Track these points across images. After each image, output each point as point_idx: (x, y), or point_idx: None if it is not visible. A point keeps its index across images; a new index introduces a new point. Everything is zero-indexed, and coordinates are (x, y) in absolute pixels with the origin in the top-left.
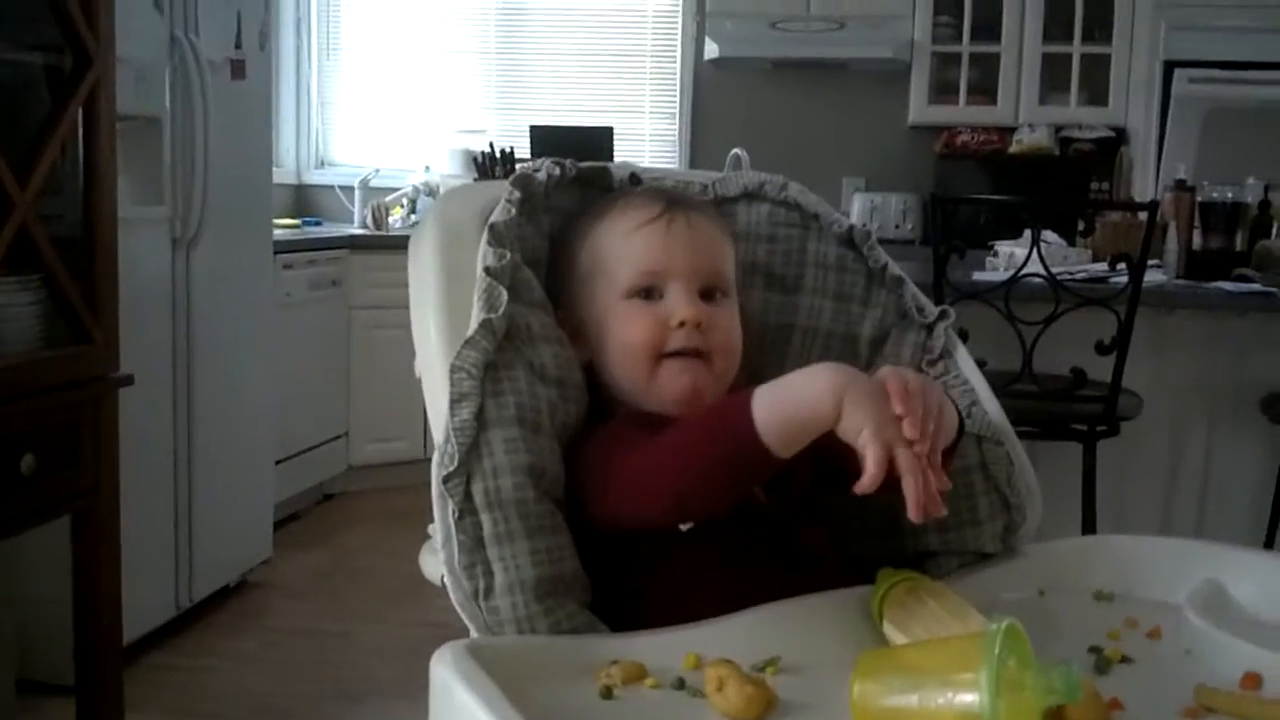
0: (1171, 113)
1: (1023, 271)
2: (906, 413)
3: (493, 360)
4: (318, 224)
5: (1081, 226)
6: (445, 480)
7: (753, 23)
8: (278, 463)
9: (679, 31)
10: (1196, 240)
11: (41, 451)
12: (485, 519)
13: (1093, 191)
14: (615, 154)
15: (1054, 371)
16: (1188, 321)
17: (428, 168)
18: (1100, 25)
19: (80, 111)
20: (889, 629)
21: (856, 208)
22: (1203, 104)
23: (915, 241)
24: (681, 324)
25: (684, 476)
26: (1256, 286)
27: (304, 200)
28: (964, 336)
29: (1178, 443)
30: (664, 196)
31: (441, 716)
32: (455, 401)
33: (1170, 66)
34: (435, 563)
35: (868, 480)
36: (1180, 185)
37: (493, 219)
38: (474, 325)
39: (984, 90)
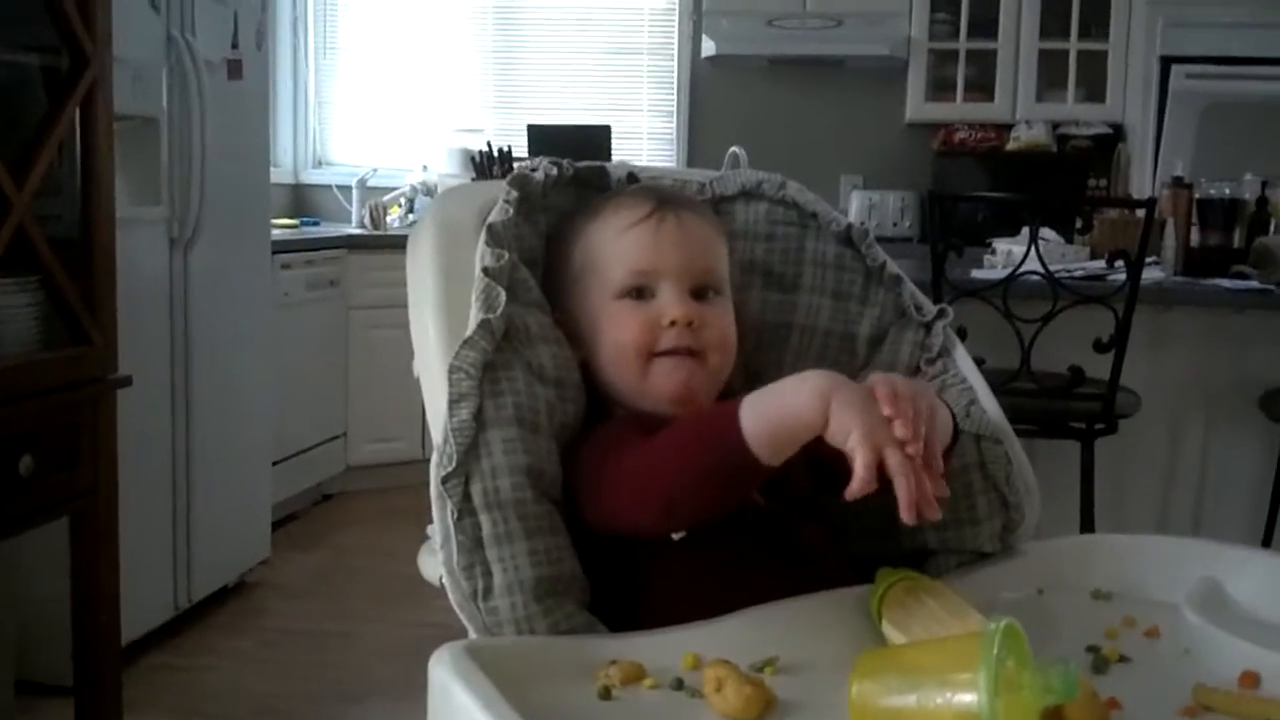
0: (1169, 109)
1: (1021, 269)
2: (896, 414)
3: (491, 360)
4: (315, 224)
5: (1079, 224)
6: (444, 481)
7: (749, 20)
8: (276, 463)
9: (676, 29)
10: (1194, 237)
11: (40, 453)
12: (484, 519)
13: (1090, 188)
14: (613, 152)
15: (1052, 369)
16: (1186, 319)
17: (425, 167)
18: (1097, 21)
19: (77, 112)
20: (888, 628)
21: (854, 205)
22: (1200, 100)
23: (913, 239)
24: (673, 323)
25: (674, 486)
26: (1254, 283)
27: (301, 200)
28: (962, 334)
29: (1176, 440)
30: (654, 195)
31: (440, 717)
32: (454, 402)
33: (1167, 62)
34: (434, 563)
35: (857, 484)
36: (1178, 182)
37: (490, 219)
38: (472, 325)
39: (981, 87)
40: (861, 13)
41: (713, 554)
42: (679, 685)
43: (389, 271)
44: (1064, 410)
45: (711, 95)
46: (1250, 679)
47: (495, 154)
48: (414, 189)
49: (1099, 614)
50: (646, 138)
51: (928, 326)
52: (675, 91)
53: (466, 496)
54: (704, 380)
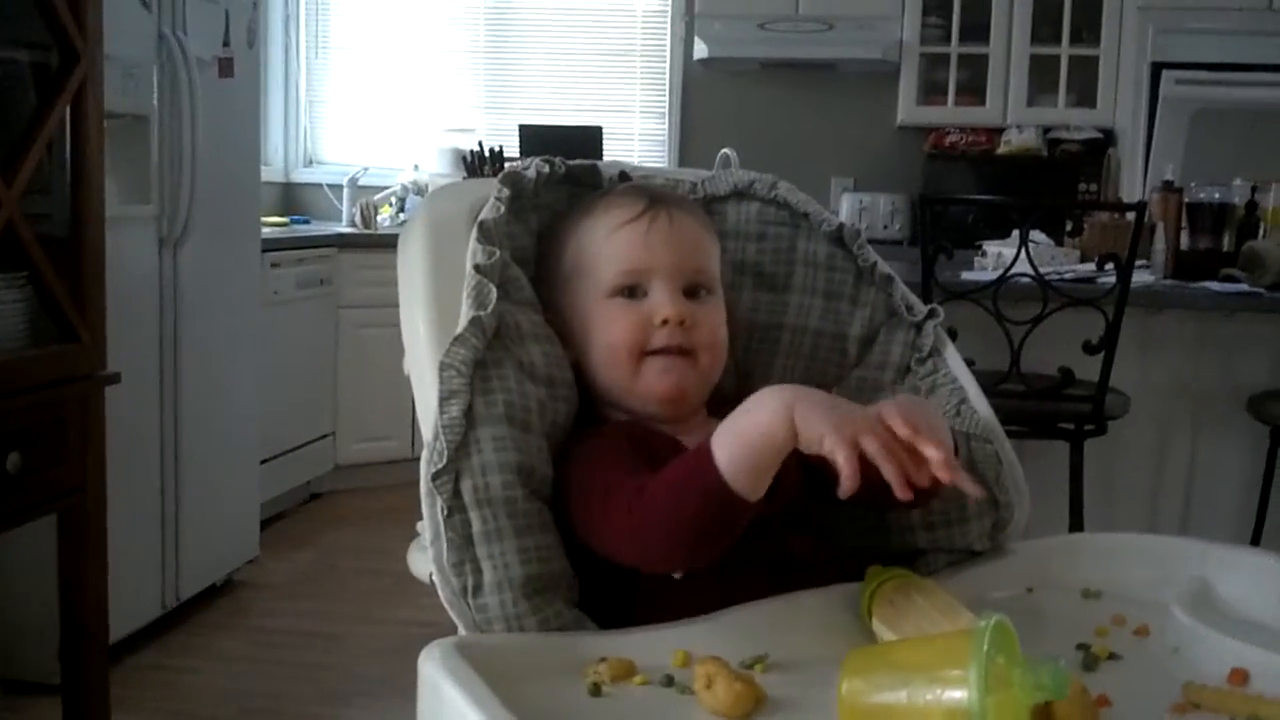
0: (1159, 114)
1: (1011, 271)
2: (916, 432)
3: (482, 358)
4: (306, 222)
5: (1069, 227)
6: (434, 478)
7: (742, 23)
8: (265, 461)
9: (668, 31)
10: (1184, 241)
11: (28, 450)
12: (474, 516)
13: (1081, 192)
14: (604, 153)
15: (1042, 371)
16: (1175, 322)
17: (416, 166)
18: (1088, 26)
19: (68, 109)
20: (878, 626)
21: (845, 208)
22: (1190, 105)
23: (904, 242)
24: (665, 322)
25: (671, 543)
26: (1243, 287)
27: (292, 198)
28: (953, 336)
29: (1165, 442)
30: (646, 194)
31: (430, 714)
32: (444, 399)
33: (1158, 68)
34: (423, 560)
35: (846, 481)
36: (1168, 186)
37: (482, 217)
38: (463, 323)
39: (972, 91)
40: (853, 16)
41: None
42: (669, 682)
43: (379, 270)
44: (1054, 411)
45: (703, 97)
46: (1239, 676)
47: (487, 154)
48: (405, 188)
49: (1089, 612)
50: (638, 139)
51: (918, 326)
52: (667, 93)
53: (456, 493)
54: (695, 380)
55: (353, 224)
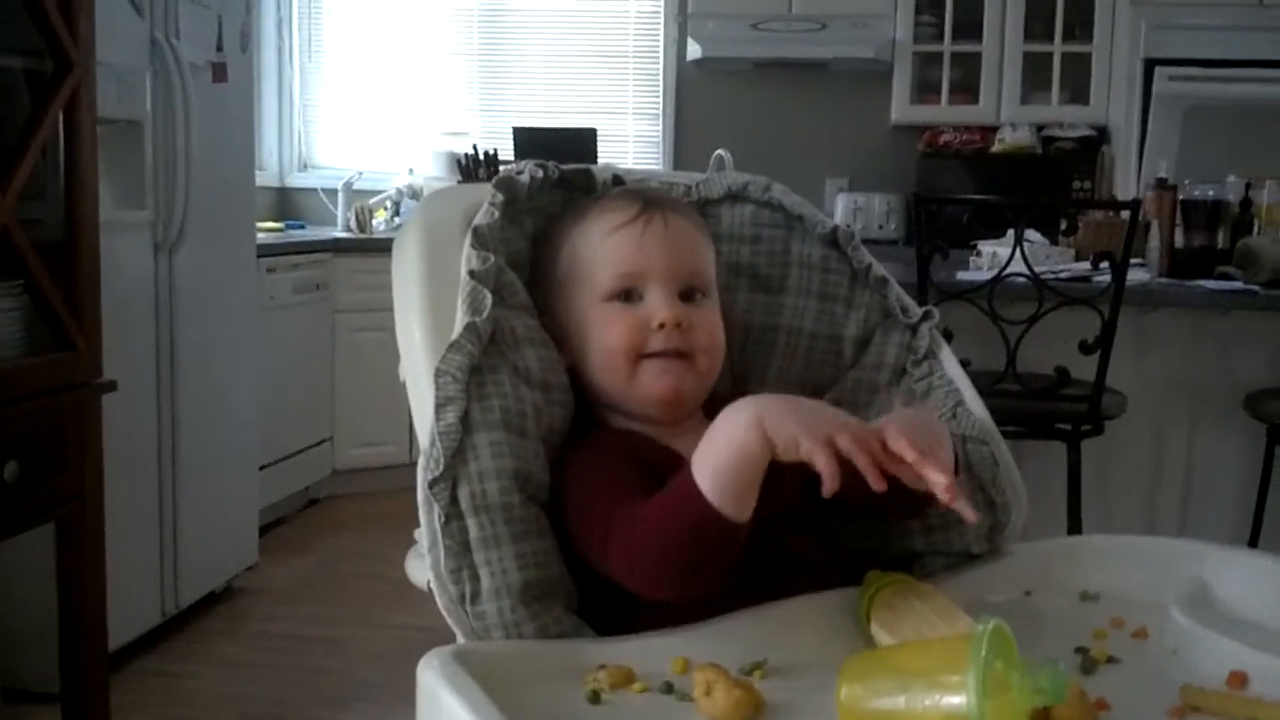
0: (1152, 111)
1: (1006, 271)
2: (918, 452)
3: (478, 364)
4: (301, 227)
5: (1064, 226)
6: (431, 485)
7: (734, 23)
8: (263, 468)
9: (661, 32)
10: (1179, 239)
11: (25, 458)
12: (471, 523)
13: (1075, 190)
14: (599, 155)
15: (1038, 371)
16: (1171, 320)
17: (411, 170)
18: (1081, 24)
19: (61, 115)
20: (876, 630)
21: (840, 208)
22: (1183, 101)
23: (899, 241)
24: (661, 325)
25: (668, 570)
26: (1239, 284)
27: (287, 203)
28: (948, 336)
29: (1162, 441)
30: (641, 197)
31: None
32: (440, 405)
33: (1151, 64)
34: (421, 567)
35: (827, 480)
36: (1162, 184)
37: (476, 222)
38: (458, 329)
39: (966, 89)
40: (846, 15)
41: None
42: (668, 689)
43: (375, 275)
44: (1050, 411)
45: (697, 98)
46: (1238, 679)
47: (481, 157)
48: (400, 192)
49: (1087, 615)
50: (632, 140)
51: (914, 328)
52: (661, 94)
53: (454, 500)
54: (693, 383)
55: (348, 228)
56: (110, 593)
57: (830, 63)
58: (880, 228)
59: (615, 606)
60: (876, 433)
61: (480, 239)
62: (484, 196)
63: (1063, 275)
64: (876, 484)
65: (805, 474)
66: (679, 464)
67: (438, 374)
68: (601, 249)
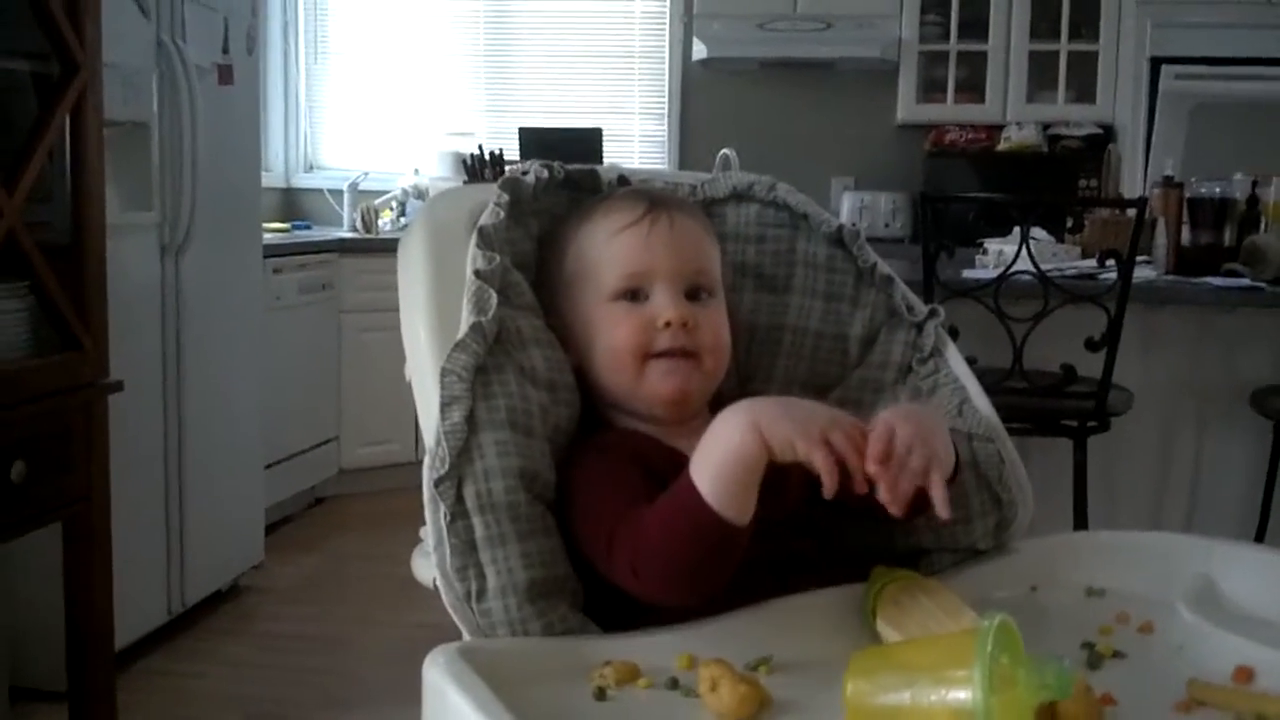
0: (1159, 109)
1: (1012, 269)
2: (877, 461)
3: (483, 363)
4: (307, 227)
5: (1070, 224)
6: (437, 484)
7: (740, 23)
8: (269, 467)
9: (666, 32)
10: (1185, 236)
11: (32, 459)
12: (477, 522)
13: (1081, 188)
14: (604, 155)
15: (1044, 368)
16: (1177, 317)
17: (417, 170)
18: (1087, 22)
19: (68, 118)
20: (882, 626)
21: (846, 207)
22: (1189, 99)
23: (905, 240)
24: (668, 325)
25: (673, 576)
26: (1245, 281)
27: (293, 204)
28: (954, 334)
29: (1168, 438)
30: (646, 197)
31: None
32: (446, 405)
33: (1157, 63)
34: (427, 566)
35: (826, 479)
36: (1168, 181)
37: (481, 222)
38: (464, 328)
39: (972, 88)
40: (852, 15)
41: None
42: (674, 685)
43: (381, 275)
44: (1056, 409)
45: (703, 98)
46: (1244, 674)
47: (486, 157)
48: (405, 192)
49: (1093, 610)
50: (638, 140)
51: (919, 326)
52: (666, 94)
53: (459, 499)
54: (699, 382)
55: (354, 229)
56: (117, 592)
57: (836, 62)
58: (886, 226)
59: (620, 604)
60: (865, 431)
61: (486, 239)
62: (489, 197)
63: (1069, 273)
64: (859, 485)
65: (807, 478)
66: (684, 464)
67: (443, 374)
68: (608, 249)
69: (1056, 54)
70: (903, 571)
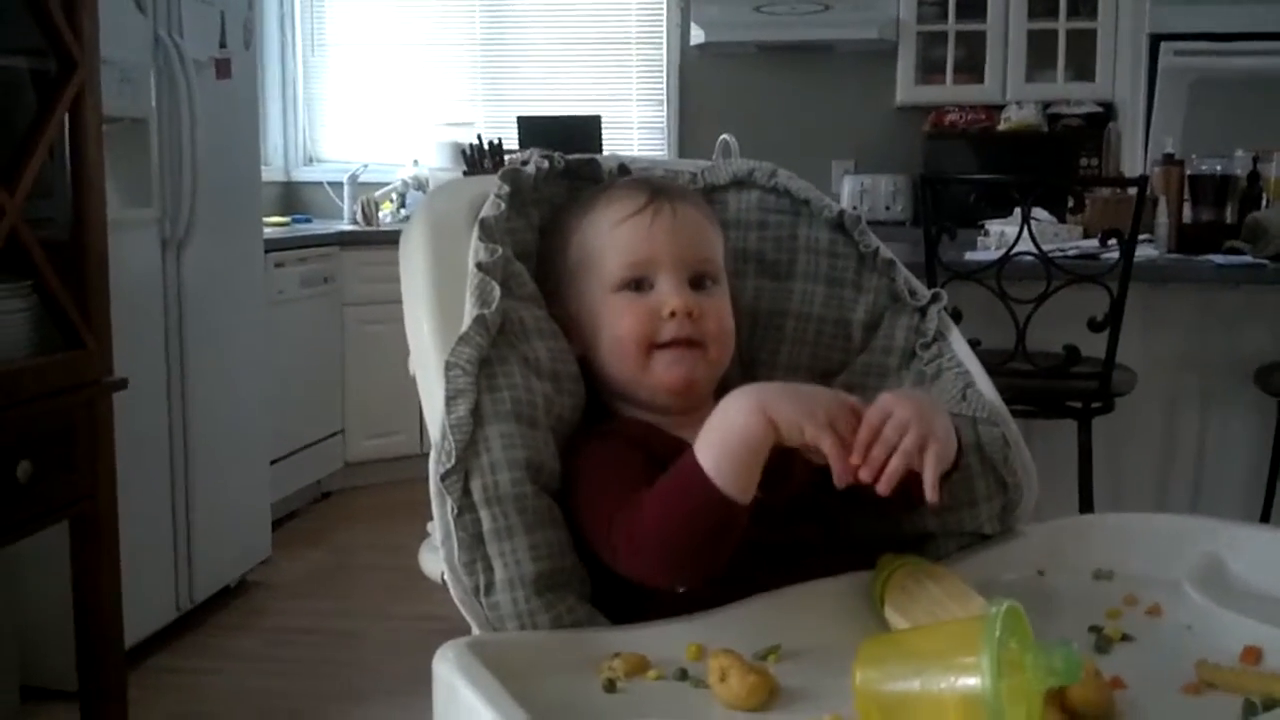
0: (1158, 86)
1: (1014, 250)
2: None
3: (487, 356)
4: (307, 221)
5: (1071, 203)
6: (443, 477)
7: (737, 7)
8: (274, 461)
9: (664, 18)
10: (1186, 214)
11: (38, 458)
12: (484, 515)
13: (1082, 167)
14: (604, 142)
15: (1047, 349)
16: (1180, 295)
17: (416, 161)
18: (1085, 0)
19: (66, 115)
20: (890, 613)
21: (846, 190)
22: (1188, 76)
23: (906, 222)
24: (673, 314)
25: (671, 554)
26: (1247, 258)
27: (293, 197)
28: (957, 317)
29: (1172, 417)
30: (648, 187)
31: (445, 715)
32: (451, 398)
33: (1156, 39)
34: (435, 560)
35: (836, 466)
36: (1169, 159)
37: (483, 214)
38: (467, 321)
39: (971, 69)
40: None
41: None
42: (683, 675)
43: (382, 267)
44: (1061, 390)
45: (701, 83)
46: (1252, 654)
47: (486, 147)
48: (405, 184)
49: (1100, 594)
50: (637, 127)
51: (922, 311)
52: (665, 80)
53: (466, 492)
54: (705, 371)
55: (354, 221)
56: (125, 590)
57: (834, 44)
58: (887, 209)
59: (628, 595)
60: (882, 411)
61: (487, 231)
62: (489, 188)
63: (1071, 253)
64: (845, 476)
65: (811, 464)
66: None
67: (448, 367)
68: (610, 239)
69: (1055, 32)
70: (909, 557)
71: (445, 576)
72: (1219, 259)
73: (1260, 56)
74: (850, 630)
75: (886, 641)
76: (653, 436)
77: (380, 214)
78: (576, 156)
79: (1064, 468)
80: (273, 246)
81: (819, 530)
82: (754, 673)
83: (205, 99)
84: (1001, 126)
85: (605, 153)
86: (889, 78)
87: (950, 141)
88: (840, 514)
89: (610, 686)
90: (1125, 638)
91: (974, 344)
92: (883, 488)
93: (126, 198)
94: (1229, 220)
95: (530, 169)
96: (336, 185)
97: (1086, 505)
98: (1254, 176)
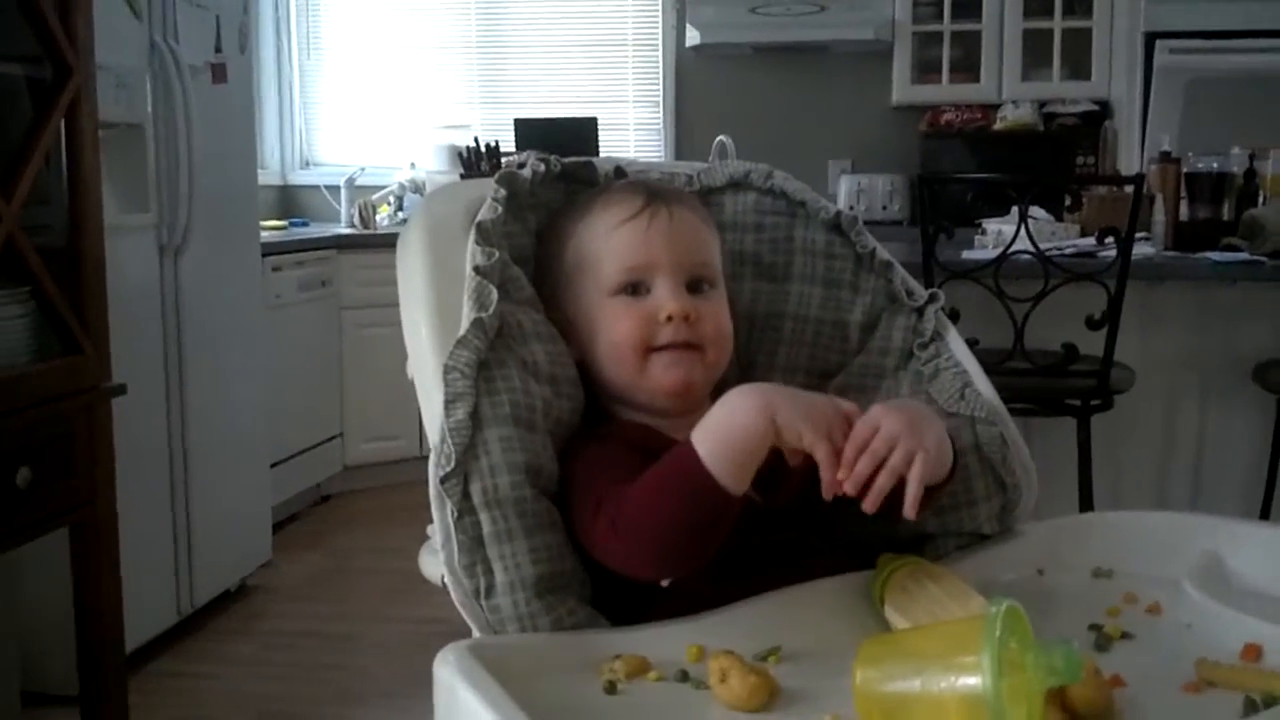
0: (1154, 84)
1: (1011, 249)
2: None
3: (486, 359)
4: (304, 225)
5: (1068, 202)
6: (443, 481)
7: (733, 8)
8: (274, 465)
9: (659, 19)
10: (1183, 211)
11: (37, 464)
12: (484, 518)
13: (1078, 166)
14: (600, 144)
15: (1045, 348)
16: (1177, 293)
17: (413, 164)
18: None
19: (62, 121)
20: (890, 613)
21: (843, 190)
22: (1184, 74)
23: (903, 222)
24: (669, 318)
25: (657, 541)
26: (1244, 255)
27: (290, 201)
28: (954, 316)
29: (1171, 414)
30: (645, 190)
31: (446, 717)
32: (450, 402)
33: (1151, 38)
34: (435, 563)
35: (825, 475)
36: (1165, 157)
37: (479, 218)
38: (465, 324)
39: (966, 68)
40: None
41: None
42: (684, 677)
43: (380, 270)
44: (1059, 388)
45: (697, 84)
46: (1252, 652)
47: (483, 149)
48: (402, 187)
49: (1100, 592)
50: (633, 128)
51: (920, 311)
52: (661, 82)
53: (466, 495)
54: (702, 374)
55: (351, 224)
56: (125, 594)
57: (830, 45)
58: (884, 209)
59: (629, 597)
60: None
61: (484, 234)
62: (486, 192)
63: (1068, 251)
64: (832, 488)
65: (809, 466)
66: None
67: (446, 370)
68: (607, 243)
69: (1051, 31)
70: (909, 557)
71: (445, 579)
72: (1216, 256)
73: (1256, 54)
74: (850, 630)
75: (886, 641)
76: (651, 439)
77: (377, 217)
78: (573, 159)
79: (1063, 466)
80: (270, 250)
81: (818, 532)
82: (754, 674)
83: (201, 104)
84: (998, 126)
85: (602, 154)
86: (885, 78)
87: (947, 141)
88: (837, 515)
89: (611, 688)
90: (1125, 636)
91: (972, 343)
92: (868, 505)
93: (123, 203)
94: (1226, 217)
95: (527, 172)
96: (333, 189)
97: (1086, 503)
98: (1250, 173)
